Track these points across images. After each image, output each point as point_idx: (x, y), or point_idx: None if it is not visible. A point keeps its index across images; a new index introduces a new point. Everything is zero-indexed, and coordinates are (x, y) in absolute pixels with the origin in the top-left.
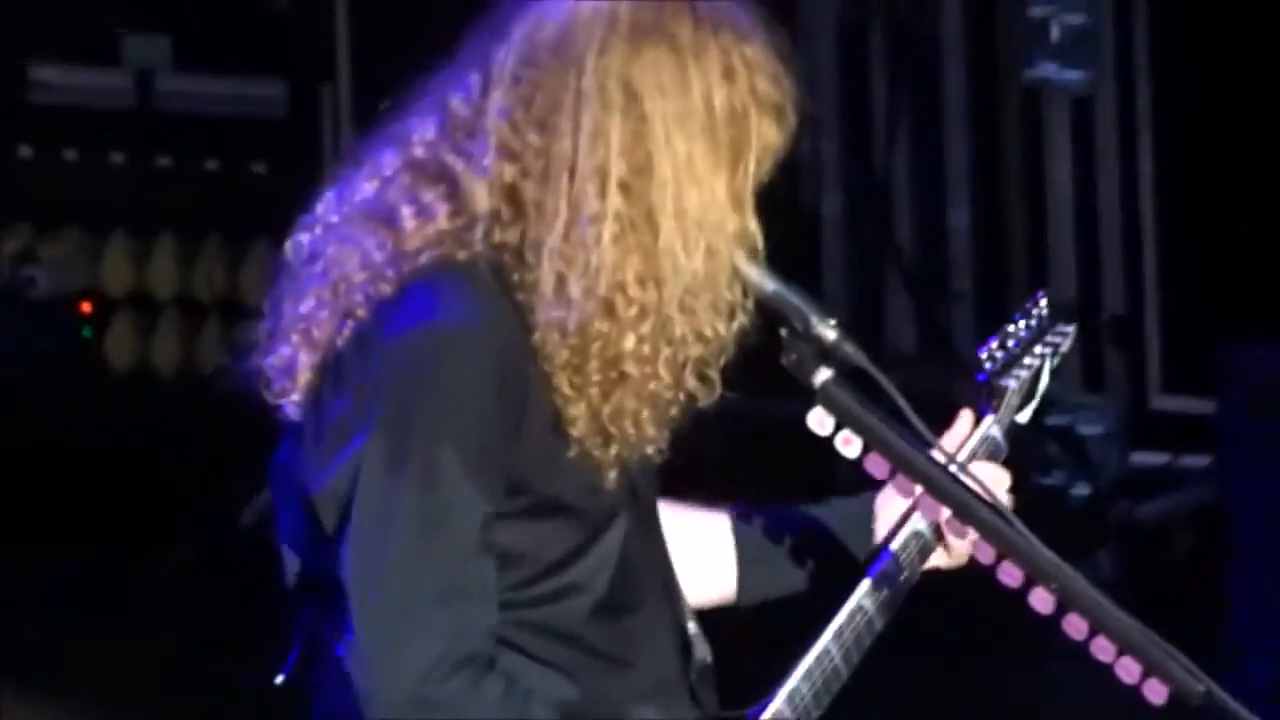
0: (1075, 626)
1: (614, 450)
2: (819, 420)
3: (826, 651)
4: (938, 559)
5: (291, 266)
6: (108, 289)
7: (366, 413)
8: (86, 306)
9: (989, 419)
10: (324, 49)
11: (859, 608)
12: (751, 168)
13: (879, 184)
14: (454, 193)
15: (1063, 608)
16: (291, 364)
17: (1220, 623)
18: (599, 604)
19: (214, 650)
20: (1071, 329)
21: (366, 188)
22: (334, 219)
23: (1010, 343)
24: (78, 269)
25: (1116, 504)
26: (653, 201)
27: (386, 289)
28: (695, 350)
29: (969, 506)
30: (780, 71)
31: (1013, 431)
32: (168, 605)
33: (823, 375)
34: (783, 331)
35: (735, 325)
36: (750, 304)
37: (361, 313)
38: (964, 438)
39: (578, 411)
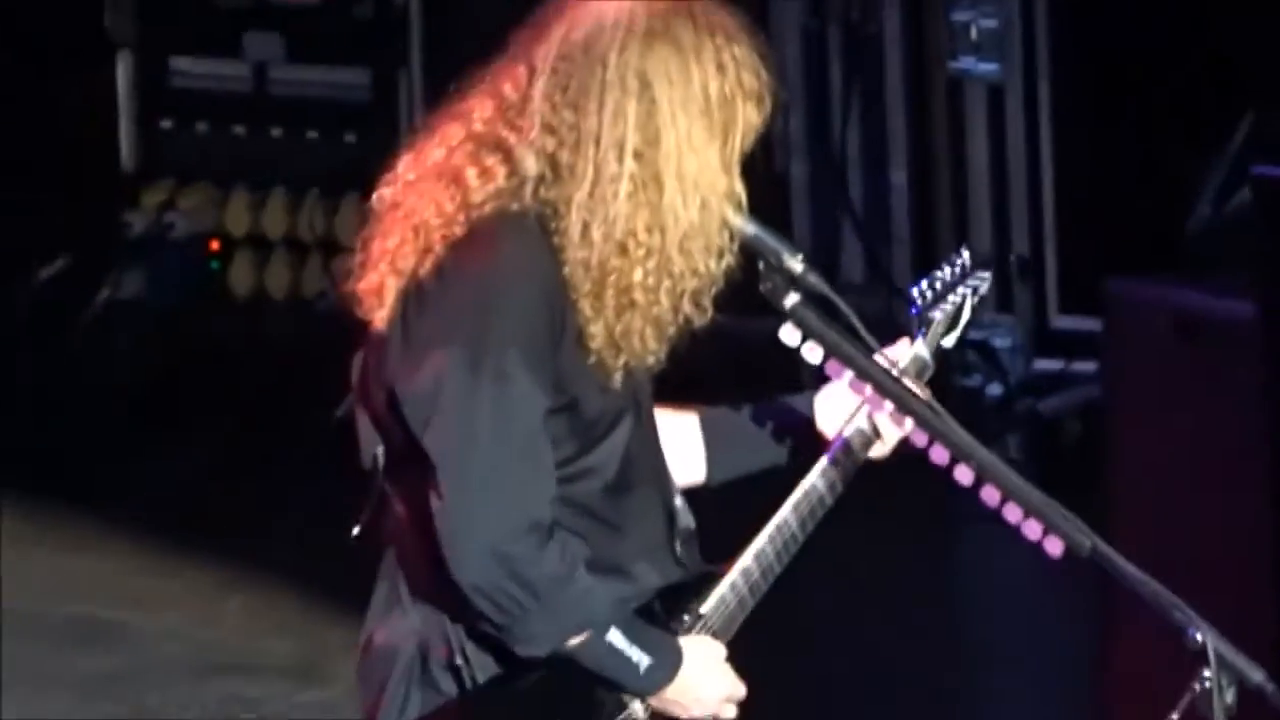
0: (989, 495)
1: (622, 360)
2: (789, 334)
3: (786, 521)
4: (876, 450)
5: (377, 213)
6: (231, 231)
7: (448, 329)
8: (214, 245)
9: (919, 342)
10: (400, 44)
11: (813, 486)
12: (737, 141)
13: (835, 153)
14: (508, 159)
15: (979, 480)
16: (380, 289)
17: (1101, 491)
18: (608, 484)
19: (306, 507)
20: (988, 275)
21: (437, 153)
22: (411, 177)
23: (938, 284)
24: (207, 216)
25: (1022, 401)
26: (660, 167)
27: (458, 231)
28: (691, 283)
29: (906, 401)
30: (759, 66)
31: (938, 353)
32: (284, 476)
33: (792, 299)
34: (761, 265)
35: (723, 263)
36: (735, 246)
37: (439, 249)
38: (900, 356)
39: (596, 330)
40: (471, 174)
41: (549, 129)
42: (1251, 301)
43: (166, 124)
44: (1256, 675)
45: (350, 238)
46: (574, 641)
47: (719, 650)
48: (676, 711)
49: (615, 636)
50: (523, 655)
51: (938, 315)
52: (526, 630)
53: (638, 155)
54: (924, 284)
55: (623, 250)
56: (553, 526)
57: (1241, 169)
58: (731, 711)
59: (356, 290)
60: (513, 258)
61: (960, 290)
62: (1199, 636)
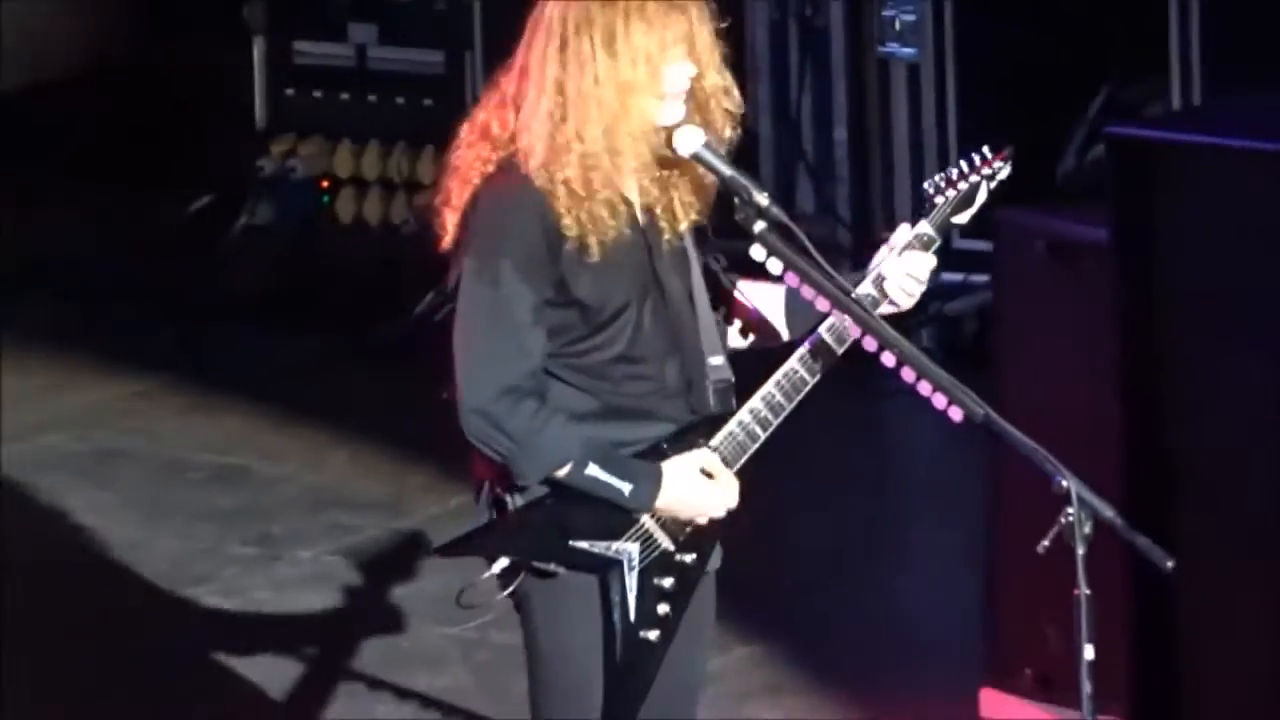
0: (907, 374)
1: (595, 240)
2: (757, 252)
3: (793, 369)
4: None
5: (449, 161)
6: (337, 173)
7: (468, 243)
8: (325, 184)
9: (923, 222)
10: (467, 31)
11: (793, 368)
12: (648, 65)
13: (792, 115)
14: (514, 121)
15: (899, 363)
16: (443, 218)
17: (991, 373)
18: (616, 356)
19: (394, 380)
20: (1006, 165)
21: (481, 116)
22: (468, 134)
23: (953, 173)
24: (320, 162)
25: (932, 303)
26: (578, 91)
27: (490, 169)
28: (625, 171)
29: (843, 301)
30: (665, 17)
31: (946, 227)
32: (377, 358)
33: (759, 226)
34: (735, 200)
35: (645, 161)
36: (650, 151)
37: (477, 184)
38: (899, 237)
39: (571, 221)
40: (495, 127)
41: (519, 97)
42: (1105, 229)
43: (289, 92)
44: (1108, 512)
45: (428, 179)
46: (561, 474)
47: (700, 463)
48: (682, 518)
49: (594, 469)
50: (520, 485)
51: (945, 198)
52: (516, 467)
53: (558, 85)
54: (940, 174)
55: (557, 157)
56: (533, 390)
57: (1097, 130)
58: (721, 511)
59: (435, 221)
60: (506, 190)
61: (974, 178)
62: (1064, 483)
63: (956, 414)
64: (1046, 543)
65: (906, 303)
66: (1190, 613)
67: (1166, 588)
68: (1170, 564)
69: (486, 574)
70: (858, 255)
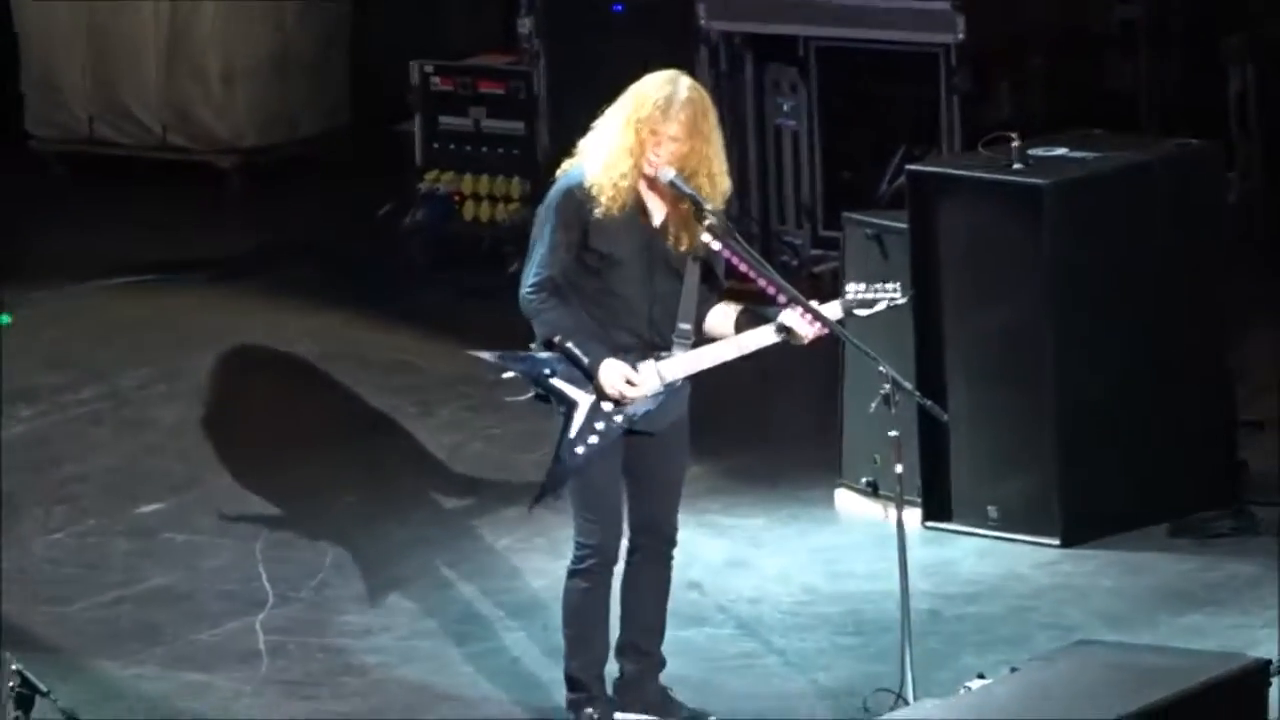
0: (792, 309)
1: (609, 210)
2: (708, 237)
3: (719, 345)
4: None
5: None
6: (464, 192)
7: (540, 212)
8: (457, 198)
9: (834, 302)
10: (535, 109)
11: (747, 336)
12: (639, 134)
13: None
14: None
15: (789, 302)
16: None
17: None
18: (606, 289)
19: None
20: (903, 296)
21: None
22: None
23: (873, 287)
24: (454, 185)
25: (811, 265)
26: (599, 143)
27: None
28: (610, 184)
29: (760, 268)
30: (659, 109)
31: (848, 311)
32: (486, 308)
33: (709, 221)
34: (695, 209)
35: (625, 181)
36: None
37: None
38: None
39: (598, 209)
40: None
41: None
42: (905, 224)
43: (436, 145)
44: (907, 385)
45: (515, 195)
46: (555, 340)
47: (626, 371)
48: (609, 392)
49: (570, 344)
50: (541, 341)
51: (855, 295)
52: (536, 330)
53: (603, 138)
54: (862, 284)
55: (593, 174)
56: (552, 288)
57: (900, 170)
58: (617, 392)
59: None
60: (554, 188)
61: (879, 295)
62: (882, 368)
63: (823, 331)
64: (873, 406)
65: (806, 332)
66: (955, 444)
67: (943, 430)
68: (945, 417)
69: (504, 375)
70: (764, 240)
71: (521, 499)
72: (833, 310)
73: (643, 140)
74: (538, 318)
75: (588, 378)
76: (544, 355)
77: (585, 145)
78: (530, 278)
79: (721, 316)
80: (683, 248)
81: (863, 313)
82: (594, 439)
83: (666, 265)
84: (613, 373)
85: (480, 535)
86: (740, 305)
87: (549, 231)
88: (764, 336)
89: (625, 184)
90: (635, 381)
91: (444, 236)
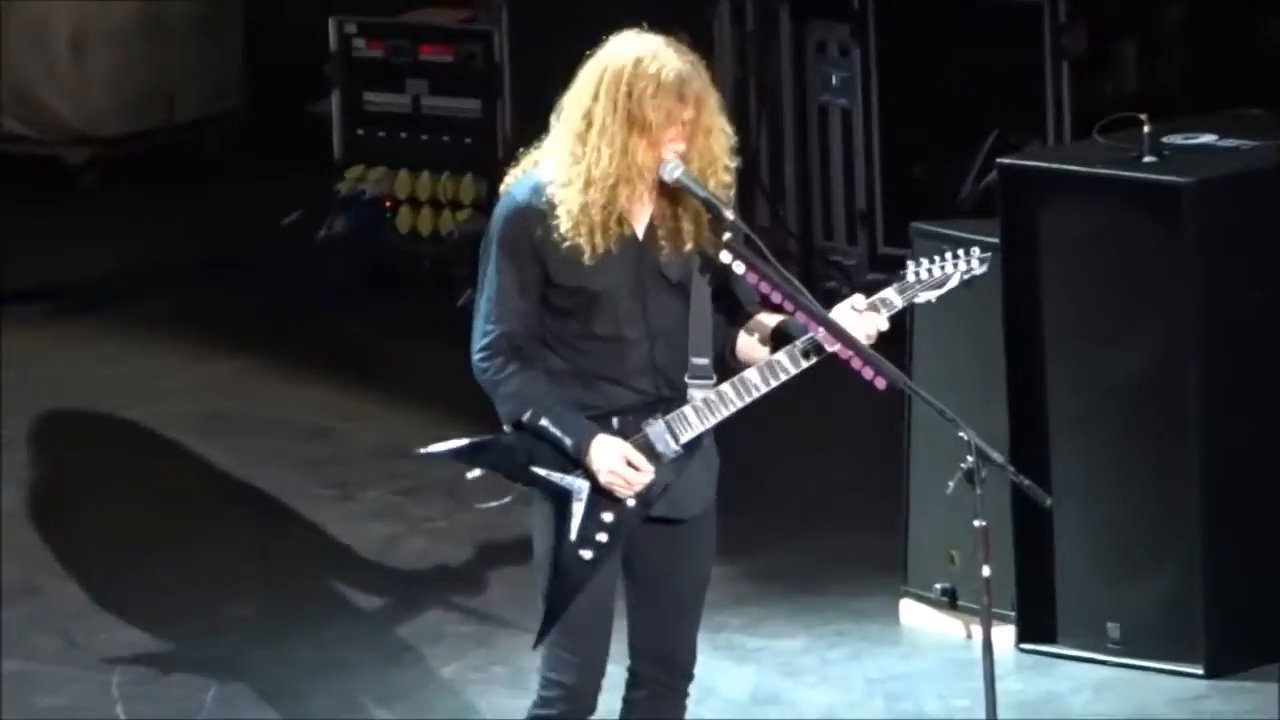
0: (828, 340)
1: (589, 246)
2: (726, 256)
3: (748, 377)
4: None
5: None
6: (397, 195)
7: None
8: (388, 203)
9: (890, 288)
10: (498, 85)
11: (778, 359)
12: (645, 127)
13: (750, 149)
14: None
15: (838, 344)
16: None
17: (909, 355)
18: (587, 332)
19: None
20: (985, 265)
21: None
22: None
23: (936, 259)
24: (383, 186)
25: (867, 292)
26: (583, 144)
27: None
28: (604, 203)
29: (789, 290)
30: (670, 90)
31: (910, 299)
32: (429, 327)
33: (727, 235)
34: (710, 214)
35: (650, 188)
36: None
37: None
38: (854, 307)
39: (569, 230)
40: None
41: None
42: (996, 236)
43: (360, 131)
44: (998, 458)
45: (467, 199)
46: (524, 418)
47: (627, 452)
48: (593, 469)
49: (545, 422)
50: (507, 422)
51: (917, 276)
52: (499, 409)
53: (579, 137)
54: (924, 260)
55: (564, 188)
56: (508, 350)
57: (989, 164)
58: (616, 482)
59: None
60: (495, 213)
61: (950, 268)
62: (963, 435)
63: (881, 383)
64: (950, 485)
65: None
66: (1063, 539)
67: (1045, 518)
68: (1049, 501)
69: (471, 475)
70: (805, 260)
71: (475, 613)
72: (888, 301)
73: (654, 133)
74: (496, 392)
75: (575, 465)
76: (515, 437)
77: (549, 147)
78: (480, 339)
79: (757, 331)
80: (683, 250)
81: (930, 296)
82: (604, 536)
83: (663, 286)
84: (606, 455)
85: (418, 661)
86: (778, 314)
87: (494, 274)
88: (798, 357)
89: (625, 202)
90: (638, 463)
91: (371, 254)
